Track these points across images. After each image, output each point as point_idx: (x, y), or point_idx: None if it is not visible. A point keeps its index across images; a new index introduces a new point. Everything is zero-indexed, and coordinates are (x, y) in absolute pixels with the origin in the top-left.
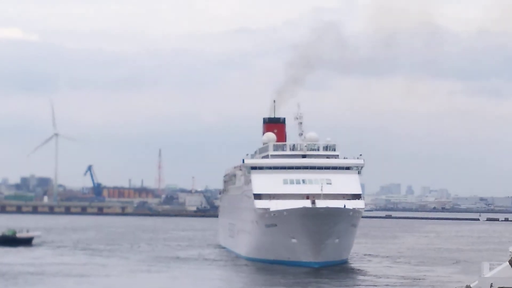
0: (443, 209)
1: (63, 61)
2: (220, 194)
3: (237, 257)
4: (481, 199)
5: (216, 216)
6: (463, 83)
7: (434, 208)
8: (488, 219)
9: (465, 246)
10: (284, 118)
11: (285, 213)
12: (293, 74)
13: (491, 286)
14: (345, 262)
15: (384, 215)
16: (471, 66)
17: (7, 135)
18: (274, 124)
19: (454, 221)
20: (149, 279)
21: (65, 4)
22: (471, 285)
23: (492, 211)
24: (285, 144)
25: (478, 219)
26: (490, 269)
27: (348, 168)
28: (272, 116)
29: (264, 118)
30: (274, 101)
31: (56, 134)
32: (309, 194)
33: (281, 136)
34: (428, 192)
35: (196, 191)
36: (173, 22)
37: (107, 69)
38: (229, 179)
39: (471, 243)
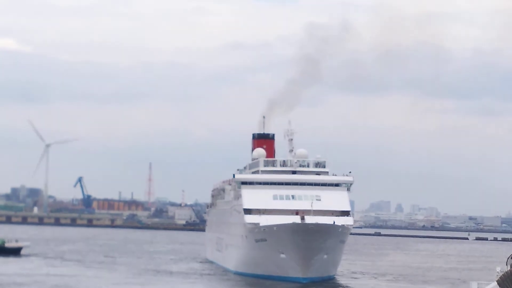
0: (432, 228)
1: (56, 73)
2: (207, 208)
3: (225, 271)
4: (471, 218)
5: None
6: (454, 102)
7: (423, 226)
8: (477, 239)
9: (454, 265)
10: (274, 134)
11: (275, 228)
12: (285, 91)
13: None
14: (332, 278)
15: (373, 232)
16: (464, 84)
17: None
18: (264, 140)
19: (443, 239)
20: None
21: (59, 16)
22: None
23: (481, 230)
24: (276, 160)
25: (467, 238)
26: None
27: (337, 184)
28: (262, 132)
29: (253, 134)
30: (264, 117)
31: (48, 145)
32: (298, 210)
33: (270, 152)
34: (418, 210)
35: (186, 205)
36: (166, 36)
37: (100, 82)
38: (217, 193)
39: (460, 262)
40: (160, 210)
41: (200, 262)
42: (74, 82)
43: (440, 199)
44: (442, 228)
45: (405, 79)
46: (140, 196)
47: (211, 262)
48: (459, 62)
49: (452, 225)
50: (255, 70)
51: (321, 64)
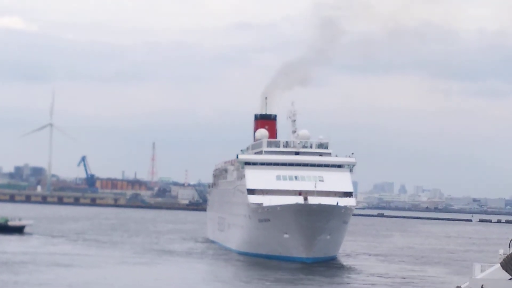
0: (436, 209)
1: (61, 52)
2: (209, 188)
3: (227, 250)
4: (474, 200)
5: None
6: (460, 83)
7: (427, 207)
8: (481, 220)
9: (457, 247)
10: (275, 115)
11: (278, 208)
12: (289, 72)
13: (481, 287)
14: (335, 258)
15: (376, 213)
16: (469, 65)
17: (1, 124)
18: (266, 121)
19: (446, 221)
20: (138, 271)
21: None
22: (461, 286)
23: (485, 212)
24: (279, 141)
25: (470, 220)
26: (481, 270)
27: (340, 166)
28: (264, 113)
29: (255, 115)
30: (266, 97)
31: (51, 124)
32: (301, 190)
33: (272, 133)
34: (421, 192)
35: (189, 185)
36: (171, 16)
37: (104, 62)
38: (219, 173)
39: (463, 244)
40: (163, 190)
41: (201, 242)
42: (78, 61)
43: (444, 180)
44: (445, 210)
45: (411, 60)
46: (144, 176)
47: (212, 242)
48: (465, 43)
49: (456, 207)
50: (260, 50)
51: (328, 43)
